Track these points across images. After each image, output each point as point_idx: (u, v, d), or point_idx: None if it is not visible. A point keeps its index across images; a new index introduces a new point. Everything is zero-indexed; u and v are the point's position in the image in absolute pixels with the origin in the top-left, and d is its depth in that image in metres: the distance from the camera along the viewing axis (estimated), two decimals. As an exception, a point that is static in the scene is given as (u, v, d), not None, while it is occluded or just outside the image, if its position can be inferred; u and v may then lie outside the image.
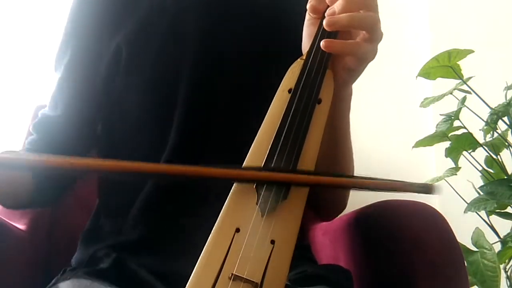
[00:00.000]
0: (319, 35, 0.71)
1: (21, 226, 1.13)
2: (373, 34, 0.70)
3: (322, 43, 0.69)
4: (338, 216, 1.18)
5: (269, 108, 0.68)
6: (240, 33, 0.91)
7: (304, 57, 0.71)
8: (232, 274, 0.57)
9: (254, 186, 0.62)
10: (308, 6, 0.75)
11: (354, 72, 0.74)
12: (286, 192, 0.62)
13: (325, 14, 0.71)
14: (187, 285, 0.57)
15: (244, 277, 0.57)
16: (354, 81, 0.77)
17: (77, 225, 0.96)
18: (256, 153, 0.64)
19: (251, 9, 0.93)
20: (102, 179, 0.96)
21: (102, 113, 0.94)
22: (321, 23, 0.72)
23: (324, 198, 0.94)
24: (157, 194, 0.86)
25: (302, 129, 0.66)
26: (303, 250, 0.94)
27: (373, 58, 0.72)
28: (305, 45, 0.77)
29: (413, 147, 1.46)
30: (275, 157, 0.63)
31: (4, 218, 1.09)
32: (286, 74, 0.70)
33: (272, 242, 0.59)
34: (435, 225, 0.92)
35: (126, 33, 0.89)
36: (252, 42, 0.91)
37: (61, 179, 0.91)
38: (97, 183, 0.97)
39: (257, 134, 0.66)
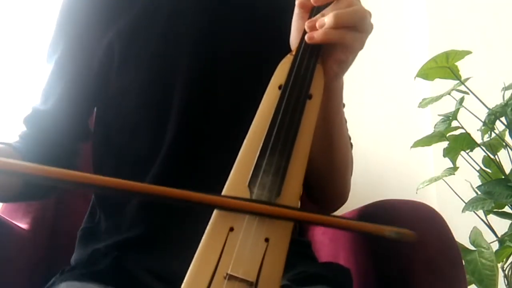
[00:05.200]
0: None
1: (23, 225, 1.13)
2: (362, 26, 0.69)
3: (305, 37, 0.68)
4: (338, 216, 1.19)
5: (260, 105, 0.67)
6: (236, 32, 0.90)
7: (293, 53, 0.70)
8: (227, 273, 0.56)
9: (247, 184, 0.61)
10: (297, 2, 0.74)
11: (344, 64, 0.73)
12: (279, 189, 0.61)
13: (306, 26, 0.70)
14: (182, 286, 0.57)
15: (239, 276, 0.56)
16: (344, 73, 0.76)
17: (80, 224, 0.96)
18: (249, 150, 0.63)
19: (248, 8, 0.92)
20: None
21: (97, 113, 0.94)
22: (309, 18, 0.71)
23: (324, 192, 0.94)
24: None
25: (293, 125, 0.64)
26: (303, 247, 0.93)
27: (361, 48, 0.71)
28: (294, 40, 0.75)
29: (411, 147, 1.47)
30: (267, 154, 0.62)
31: (7, 218, 1.10)
32: (276, 70, 0.69)
33: (266, 240, 0.58)
34: (433, 224, 0.93)
35: (119, 29, 0.88)
36: (249, 41, 0.90)
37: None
38: None
39: (249, 132, 0.65)
